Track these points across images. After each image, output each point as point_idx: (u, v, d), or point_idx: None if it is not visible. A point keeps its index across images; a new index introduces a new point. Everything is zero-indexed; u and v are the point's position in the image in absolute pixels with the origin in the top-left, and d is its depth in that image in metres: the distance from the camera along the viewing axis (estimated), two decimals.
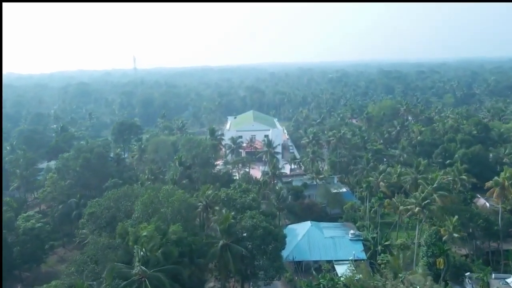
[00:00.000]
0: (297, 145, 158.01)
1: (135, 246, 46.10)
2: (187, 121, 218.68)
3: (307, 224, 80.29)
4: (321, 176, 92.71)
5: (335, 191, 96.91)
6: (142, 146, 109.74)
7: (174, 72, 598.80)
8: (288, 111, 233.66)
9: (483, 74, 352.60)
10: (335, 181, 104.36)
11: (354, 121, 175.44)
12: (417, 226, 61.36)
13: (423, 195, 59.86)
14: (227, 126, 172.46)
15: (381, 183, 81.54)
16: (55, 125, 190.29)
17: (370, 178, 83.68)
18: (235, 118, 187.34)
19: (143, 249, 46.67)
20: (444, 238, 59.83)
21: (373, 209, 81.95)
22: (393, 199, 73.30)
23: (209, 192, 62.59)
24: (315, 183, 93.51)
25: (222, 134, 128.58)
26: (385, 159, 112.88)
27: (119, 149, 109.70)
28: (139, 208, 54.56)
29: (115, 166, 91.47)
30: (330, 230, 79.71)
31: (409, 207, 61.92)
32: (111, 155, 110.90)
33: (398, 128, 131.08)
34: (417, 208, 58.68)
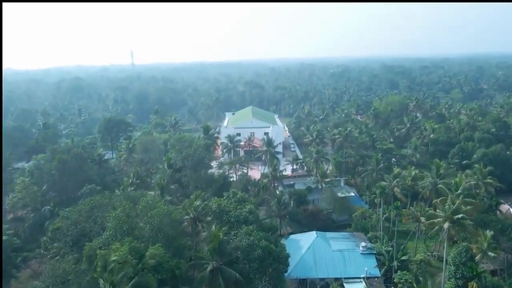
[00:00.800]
0: (298, 143, 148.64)
1: (100, 279, 36.75)
2: (183, 117, 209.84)
3: (312, 235, 70.79)
4: (327, 180, 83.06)
5: (342, 195, 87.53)
6: (130, 145, 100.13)
7: (172, 67, 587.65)
8: (289, 107, 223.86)
9: (490, 69, 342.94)
10: (342, 184, 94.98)
11: (358, 117, 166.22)
12: (445, 243, 51.65)
13: (453, 207, 50.00)
14: (225, 123, 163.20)
15: (395, 188, 71.96)
16: (44, 122, 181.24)
17: (383, 183, 74.10)
18: (233, 114, 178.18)
19: (112, 280, 37.38)
20: (476, 258, 50.29)
21: (384, 215, 72.70)
22: (411, 208, 63.67)
23: (198, 202, 52.97)
24: (320, 187, 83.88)
25: (217, 132, 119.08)
26: (394, 160, 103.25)
27: (101, 149, 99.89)
28: (111, 224, 45.07)
29: (97, 168, 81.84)
30: (338, 242, 70.24)
31: (435, 221, 52.19)
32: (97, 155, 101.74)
33: (408, 125, 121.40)
34: (446, 223, 48.97)
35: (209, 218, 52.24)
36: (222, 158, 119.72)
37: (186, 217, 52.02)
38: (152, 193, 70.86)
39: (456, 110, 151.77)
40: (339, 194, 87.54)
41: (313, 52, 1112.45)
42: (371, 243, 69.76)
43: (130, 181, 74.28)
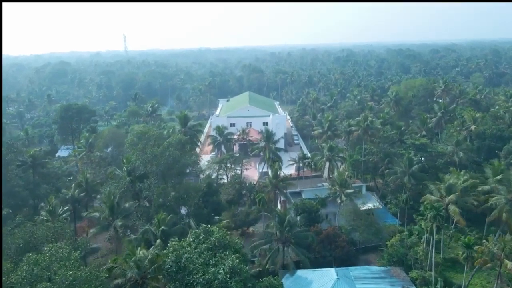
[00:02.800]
0: (303, 134, 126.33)
1: None
2: (173, 104, 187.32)
3: (331, 274, 48.59)
4: (349, 191, 60.49)
5: (365, 207, 65.31)
6: (90, 140, 77.58)
7: (168, 53, 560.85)
8: (292, 93, 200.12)
9: (506, 53, 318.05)
10: (364, 191, 72.64)
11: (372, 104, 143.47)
12: None
13: None
14: (218, 111, 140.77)
15: (451, 206, 49.48)
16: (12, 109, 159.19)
17: (432, 197, 51.63)
18: (227, 101, 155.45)
19: None
20: None
21: (424, 236, 50.78)
22: (485, 242, 41.28)
23: (142, 253, 30.43)
24: (339, 201, 61.35)
25: (200, 125, 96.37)
26: (421, 158, 78.94)
27: (42, 147, 77.33)
28: None
29: (28, 175, 59.22)
30: (368, 285, 48.20)
31: None
32: (57, 154, 79.47)
33: (439, 114, 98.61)
34: None
35: (161, 278, 29.82)
36: (212, 154, 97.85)
37: (119, 280, 29.55)
38: (97, 214, 48.70)
39: (483, 96, 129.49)
40: (362, 207, 65.45)
41: (313, 39, 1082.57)
42: (417, 287, 47.96)
43: (70, 194, 51.81)
